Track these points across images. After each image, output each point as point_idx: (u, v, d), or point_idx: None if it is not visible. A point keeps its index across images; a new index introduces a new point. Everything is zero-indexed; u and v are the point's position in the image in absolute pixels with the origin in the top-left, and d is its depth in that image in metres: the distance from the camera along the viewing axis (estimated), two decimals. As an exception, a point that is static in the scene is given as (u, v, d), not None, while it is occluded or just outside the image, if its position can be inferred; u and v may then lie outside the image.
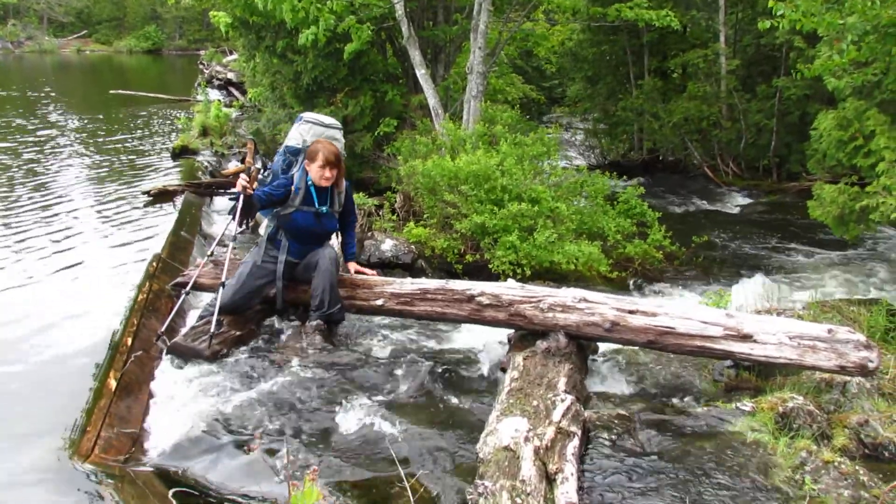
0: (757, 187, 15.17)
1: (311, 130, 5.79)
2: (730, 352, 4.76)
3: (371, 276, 6.03)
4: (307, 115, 5.97)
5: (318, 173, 5.59)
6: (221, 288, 5.58)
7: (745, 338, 4.66)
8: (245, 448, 4.06)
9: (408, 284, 5.74)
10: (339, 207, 5.89)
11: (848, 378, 4.87)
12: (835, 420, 4.54)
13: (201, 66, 32.99)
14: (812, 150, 10.62)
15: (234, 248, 5.94)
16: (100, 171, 12.21)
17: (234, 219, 5.71)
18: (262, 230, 6.01)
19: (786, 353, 4.58)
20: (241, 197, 5.56)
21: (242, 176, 5.60)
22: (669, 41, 16.78)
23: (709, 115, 15.71)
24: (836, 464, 3.78)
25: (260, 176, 5.93)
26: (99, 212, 9.36)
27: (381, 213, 9.14)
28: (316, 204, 5.72)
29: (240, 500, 3.72)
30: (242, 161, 14.32)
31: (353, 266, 6.03)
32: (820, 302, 6.92)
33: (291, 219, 5.70)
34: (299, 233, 5.76)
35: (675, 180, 16.04)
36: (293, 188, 5.67)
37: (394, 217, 9.11)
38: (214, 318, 5.41)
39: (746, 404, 4.47)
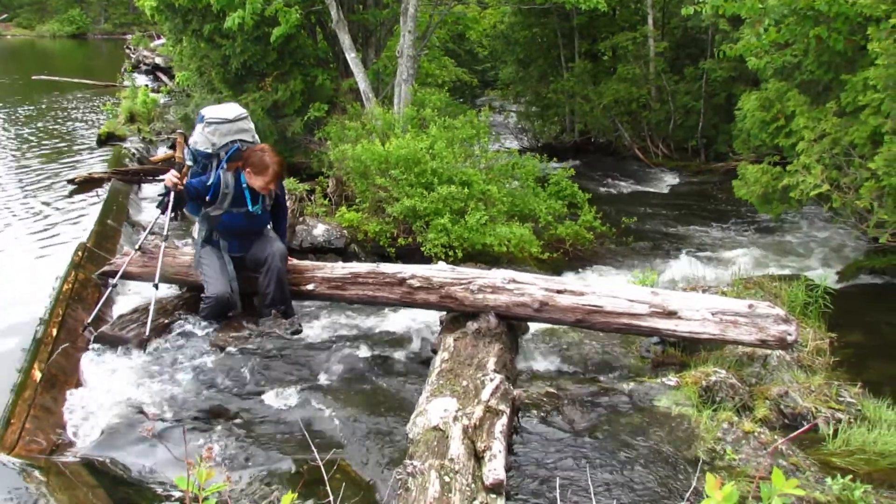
0: (686, 168, 15.42)
1: (217, 131, 5.48)
2: (656, 328, 4.86)
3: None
4: (208, 113, 5.56)
5: (261, 184, 5.48)
6: (156, 289, 5.47)
7: (670, 315, 4.76)
8: (142, 432, 4.02)
9: (339, 269, 5.73)
10: (269, 203, 5.80)
11: (769, 351, 5.03)
12: (756, 392, 4.69)
13: (128, 51, 32.18)
14: (737, 131, 10.86)
15: (165, 246, 5.83)
16: (22, 158, 11.86)
17: (163, 213, 5.60)
18: (194, 233, 5.88)
19: (709, 328, 4.70)
20: (172, 193, 5.47)
21: (172, 172, 5.47)
22: (599, 24, 16.91)
23: (638, 97, 15.88)
24: (756, 434, 3.90)
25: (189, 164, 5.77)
26: (22, 200, 9.11)
27: (312, 198, 9.06)
28: (249, 206, 5.61)
29: (164, 486, 3.69)
30: (172, 147, 14.07)
31: None
32: (744, 278, 7.10)
33: (221, 220, 5.60)
34: (232, 232, 5.68)
35: (606, 162, 16.22)
36: (221, 191, 5.51)
37: (326, 202, 9.05)
38: (150, 316, 5.31)
39: (671, 379, 4.59)
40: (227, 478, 1.89)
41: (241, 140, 5.56)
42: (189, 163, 5.66)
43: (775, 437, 3.93)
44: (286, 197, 6.28)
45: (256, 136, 5.78)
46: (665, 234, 10.82)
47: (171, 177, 5.42)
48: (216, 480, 1.72)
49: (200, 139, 5.53)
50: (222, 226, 5.62)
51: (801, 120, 7.70)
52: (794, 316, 5.19)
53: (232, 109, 5.62)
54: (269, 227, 5.99)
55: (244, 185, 5.53)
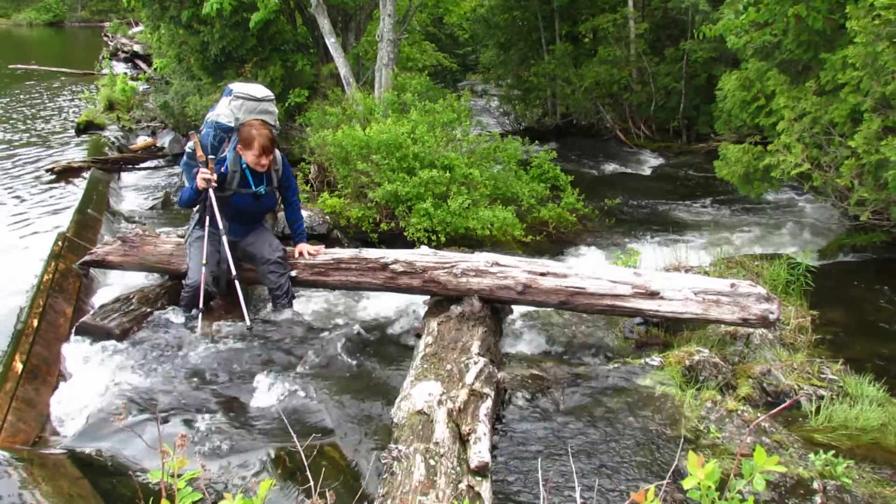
0: (667, 149, 15.39)
1: (244, 107, 5.50)
2: (639, 309, 4.88)
3: (318, 250, 5.80)
4: (237, 88, 5.61)
5: (253, 160, 5.42)
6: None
7: (653, 295, 4.78)
8: (112, 421, 4.00)
9: (321, 255, 5.71)
10: (276, 184, 5.75)
11: (751, 330, 5.06)
12: (739, 371, 4.72)
13: (106, 39, 31.91)
14: (718, 112, 10.84)
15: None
16: (-1, 148, 11.76)
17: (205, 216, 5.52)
18: (194, 211, 5.82)
19: (691, 308, 4.72)
20: (210, 192, 5.42)
21: (202, 171, 5.38)
22: (579, 6, 16.84)
23: (619, 79, 15.82)
24: (739, 412, 3.92)
25: (187, 150, 5.67)
26: (-1, 191, 9.04)
27: (294, 184, 9.02)
28: (253, 186, 5.57)
29: (147, 476, 3.66)
30: (151, 135, 13.98)
31: (303, 247, 5.80)
32: (726, 258, 7.13)
33: (231, 202, 5.55)
34: (238, 214, 5.62)
35: (588, 144, 16.17)
36: (230, 169, 5.49)
37: (308, 188, 9.02)
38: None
39: (655, 359, 4.60)
40: (202, 465, 1.87)
41: (262, 120, 5.54)
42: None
43: (758, 414, 3.95)
44: (293, 178, 6.13)
45: (278, 123, 5.77)
46: (647, 214, 10.83)
47: (200, 179, 5.38)
48: (192, 469, 1.70)
49: (225, 112, 5.54)
50: (231, 207, 5.56)
51: (782, 99, 7.70)
52: (776, 294, 5.21)
53: (260, 89, 5.67)
54: (266, 218, 6.06)
55: (245, 166, 5.51)
